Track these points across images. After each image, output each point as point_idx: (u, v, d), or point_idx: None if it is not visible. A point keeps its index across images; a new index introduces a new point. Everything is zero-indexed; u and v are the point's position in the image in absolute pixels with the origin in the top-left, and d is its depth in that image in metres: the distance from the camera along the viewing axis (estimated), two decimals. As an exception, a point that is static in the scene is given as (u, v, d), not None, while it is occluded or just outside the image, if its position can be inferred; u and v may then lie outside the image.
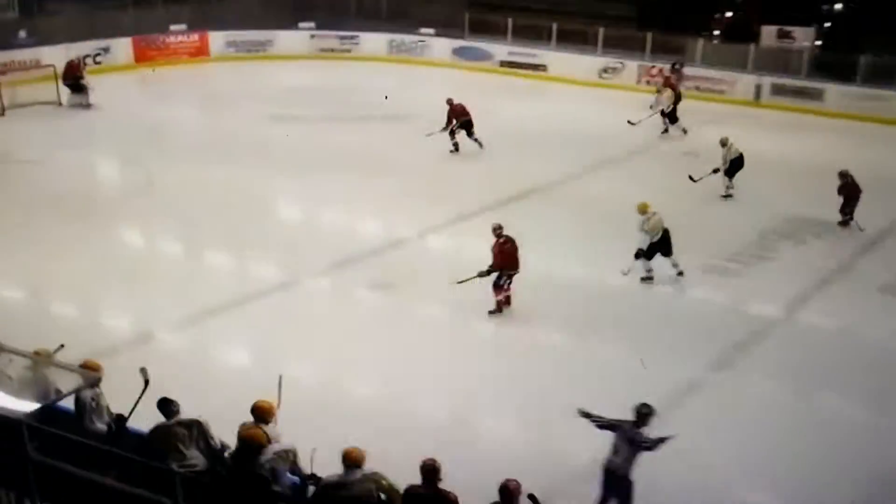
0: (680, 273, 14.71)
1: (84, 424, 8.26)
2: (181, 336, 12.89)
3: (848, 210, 17.34)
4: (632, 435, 8.44)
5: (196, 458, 7.94)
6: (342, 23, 33.33)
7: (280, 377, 8.70)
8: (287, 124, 23.13)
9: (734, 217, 18.10)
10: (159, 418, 8.00)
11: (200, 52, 31.52)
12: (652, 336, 13.00)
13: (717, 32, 33.20)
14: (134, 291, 13.94)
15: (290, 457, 7.85)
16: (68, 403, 8.27)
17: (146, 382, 8.28)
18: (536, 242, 14.78)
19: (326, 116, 24.40)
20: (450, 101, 21.45)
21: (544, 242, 15.63)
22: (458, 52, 32.11)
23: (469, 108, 21.45)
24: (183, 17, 31.69)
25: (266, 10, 33.77)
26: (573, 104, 27.26)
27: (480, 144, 21.37)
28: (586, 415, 8.68)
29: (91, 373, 8.26)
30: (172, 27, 31.19)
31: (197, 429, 8.02)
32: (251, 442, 7.77)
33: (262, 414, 8.10)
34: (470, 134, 21.40)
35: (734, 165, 18.82)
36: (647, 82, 28.47)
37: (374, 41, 32.73)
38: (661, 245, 14.57)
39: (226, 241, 16.28)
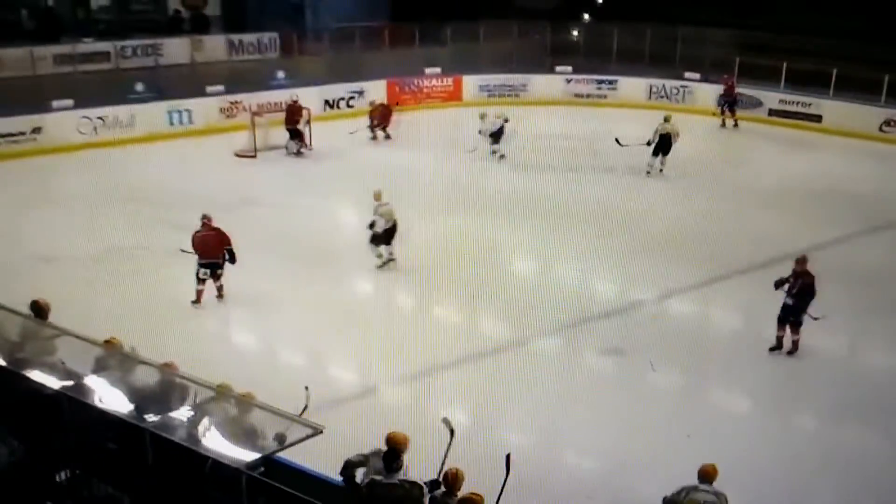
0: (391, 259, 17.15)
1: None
2: (403, 390, 13.58)
3: None
4: None
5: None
6: (601, 67, 33.88)
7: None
8: (532, 172, 23.82)
9: None
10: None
11: (453, 96, 32.91)
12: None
13: None
14: (360, 341, 14.81)
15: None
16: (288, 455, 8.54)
17: (451, 432, 8.83)
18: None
19: (573, 166, 24.89)
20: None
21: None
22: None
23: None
24: (438, 60, 33.25)
25: (524, 53, 34.82)
26: (847, 159, 26.45)
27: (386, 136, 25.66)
28: None
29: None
30: (427, 70, 32.77)
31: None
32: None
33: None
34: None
35: (661, 143, 18.49)
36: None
37: (632, 86, 33.02)
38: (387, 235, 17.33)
39: (457, 293, 16.92)
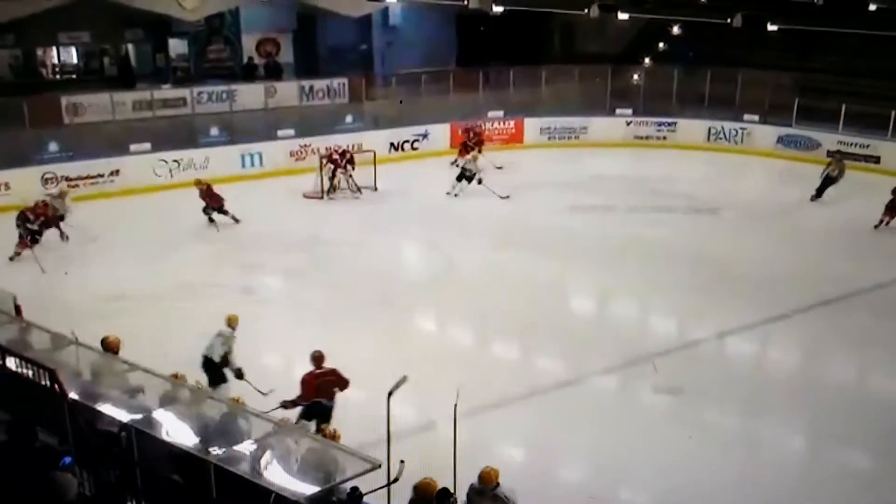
0: None
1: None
2: (461, 426, 13.53)
3: None
4: None
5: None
6: (661, 109, 33.84)
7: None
8: (589, 213, 23.88)
9: None
10: None
11: (515, 138, 33.03)
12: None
13: None
14: (421, 377, 14.82)
15: None
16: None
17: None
18: (848, 352, 14.42)
19: (631, 206, 24.88)
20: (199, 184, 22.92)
21: (862, 352, 15.42)
22: (782, 140, 31.55)
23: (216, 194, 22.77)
24: (501, 103, 33.46)
25: (584, 96, 34.89)
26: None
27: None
28: None
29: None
30: (490, 114, 32.98)
31: None
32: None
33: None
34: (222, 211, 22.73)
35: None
36: None
37: (692, 128, 32.89)
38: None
39: (515, 331, 16.96)
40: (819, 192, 24.69)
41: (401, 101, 32.57)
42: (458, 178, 25.83)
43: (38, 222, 20.39)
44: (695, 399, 14.20)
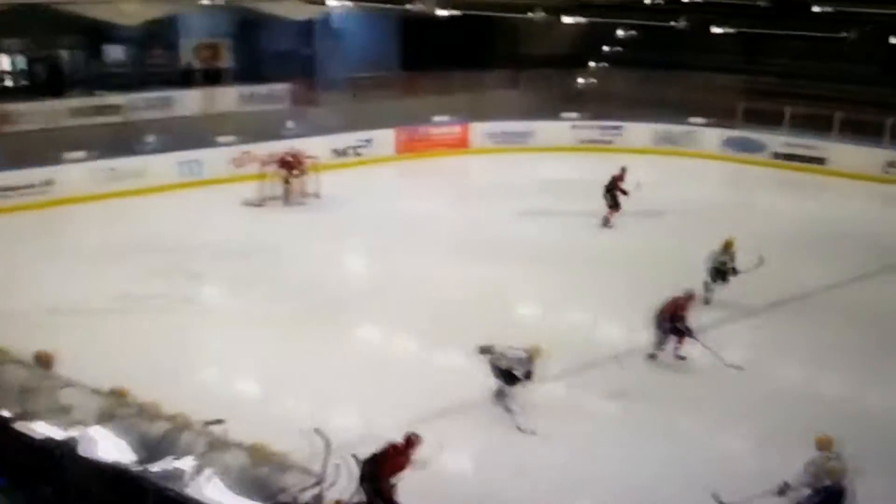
0: None
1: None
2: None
3: None
4: None
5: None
6: (606, 113, 34.09)
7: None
8: (537, 218, 23.96)
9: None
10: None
11: (461, 143, 33.11)
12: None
13: None
14: (366, 389, 14.78)
15: None
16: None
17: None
18: (805, 353, 14.59)
19: (578, 211, 24.94)
20: None
21: (815, 354, 15.66)
22: (728, 143, 32.00)
23: None
24: (446, 108, 33.49)
25: (530, 101, 35.02)
26: (853, 201, 26.48)
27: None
28: None
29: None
30: (435, 118, 32.99)
31: None
32: None
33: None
34: None
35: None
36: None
37: (637, 131, 33.24)
38: None
39: (461, 339, 16.74)
40: None
41: (354, 94, 32.33)
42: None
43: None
44: (642, 403, 14.25)
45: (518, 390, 13.63)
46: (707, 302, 17.59)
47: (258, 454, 8.91)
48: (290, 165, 25.86)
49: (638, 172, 26.20)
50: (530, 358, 13.49)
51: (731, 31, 32.61)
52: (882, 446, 12.75)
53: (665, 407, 14.19)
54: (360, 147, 31.04)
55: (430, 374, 15.53)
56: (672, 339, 15.56)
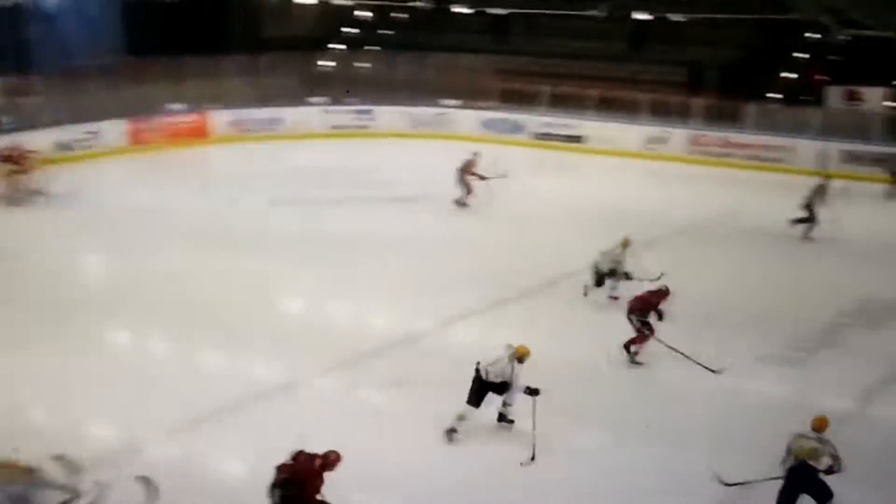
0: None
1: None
2: (172, 445, 12.89)
3: None
4: None
5: None
6: (359, 97, 34.02)
7: None
8: (291, 208, 23.64)
9: (802, 301, 18.16)
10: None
11: (199, 132, 32.22)
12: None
13: (777, 96, 33.51)
14: (119, 396, 14.00)
15: None
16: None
17: None
18: (566, 328, 14.87)
19: (334, 199, 24.80)
20: None
21: (570, 329, 15.95)
22: (487, 124, 32.65)
23: None
24: (181, 96, 32.52)
25: (276, 86, 34.54)
26: (614, 178, 27.57)
27: None
28: None
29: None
30: (170, 107, 31.95)
31: None
32: None
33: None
34: None
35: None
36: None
37: (392, 115, 33.44)
38: None
39: (217, 338, 16.28)
40: None
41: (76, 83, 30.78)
42: None
43: None
44: (422, 391, 14.14)
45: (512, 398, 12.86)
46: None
47: (6, 471, 8.41)
48: (13, 160, 24.41)
49: (398, 158, 26.46)
50: (517, 359, 12.67)
51: (469, 11, 33.33)
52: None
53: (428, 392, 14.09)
54: (86, 140, 29.60)
55: (185, 377, 14.80)
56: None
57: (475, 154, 24.15)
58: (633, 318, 14.93)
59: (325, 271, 19.52)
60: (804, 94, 32.87)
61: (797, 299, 18.31)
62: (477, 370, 12.57)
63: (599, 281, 17.55)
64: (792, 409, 12.75)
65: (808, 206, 21.69)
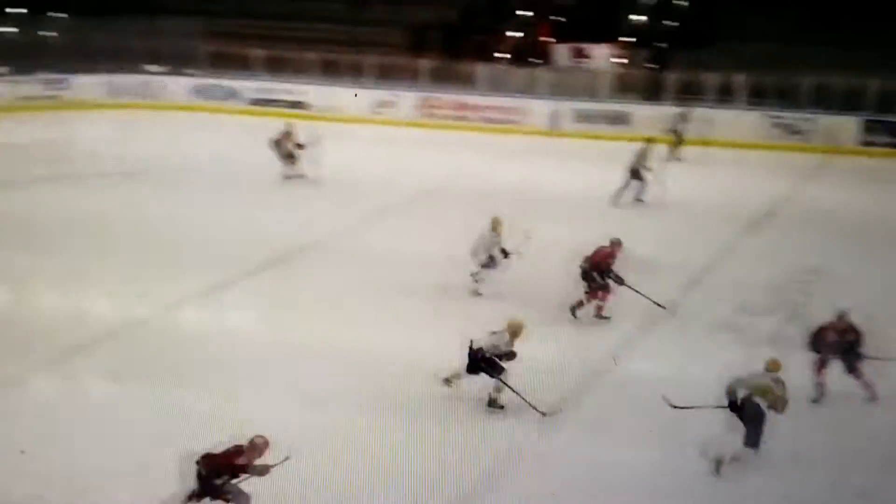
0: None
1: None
2: None
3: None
4: None
5: None
6: (46, 65, 32.25)
7: None
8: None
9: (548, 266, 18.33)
10: None
11: None
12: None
13: (505, 56, 34.21)
14: None
15: None
16: None
17: None
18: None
19: (30, 179, 23.34)
20: None
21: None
22: (198, 91, 31.76)
23: None
24: None
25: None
26: (340, 145, 27.24)
27: None
28: None
29: None
30: None
31: None
32: None
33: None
34: None
35: None
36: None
37: (88, 84, 32.11)
38: None
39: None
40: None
41: None
42: None
43: None
44: (148, 381, 13.36)
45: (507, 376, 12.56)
46: (478, 293, 16.89)
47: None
48: None
49: (98, 129, 25.18)
50: (512, 335, 12.58)
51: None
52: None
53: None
54: None
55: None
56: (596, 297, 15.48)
57: (289, 124, 24.03)
58: (595, 274, 15.32)
59: (23, 261, 18.17)
60: (531, 55, 33.64)
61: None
62: (470, 346, 12.50)
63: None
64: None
65: (635, 171, 22.06)
